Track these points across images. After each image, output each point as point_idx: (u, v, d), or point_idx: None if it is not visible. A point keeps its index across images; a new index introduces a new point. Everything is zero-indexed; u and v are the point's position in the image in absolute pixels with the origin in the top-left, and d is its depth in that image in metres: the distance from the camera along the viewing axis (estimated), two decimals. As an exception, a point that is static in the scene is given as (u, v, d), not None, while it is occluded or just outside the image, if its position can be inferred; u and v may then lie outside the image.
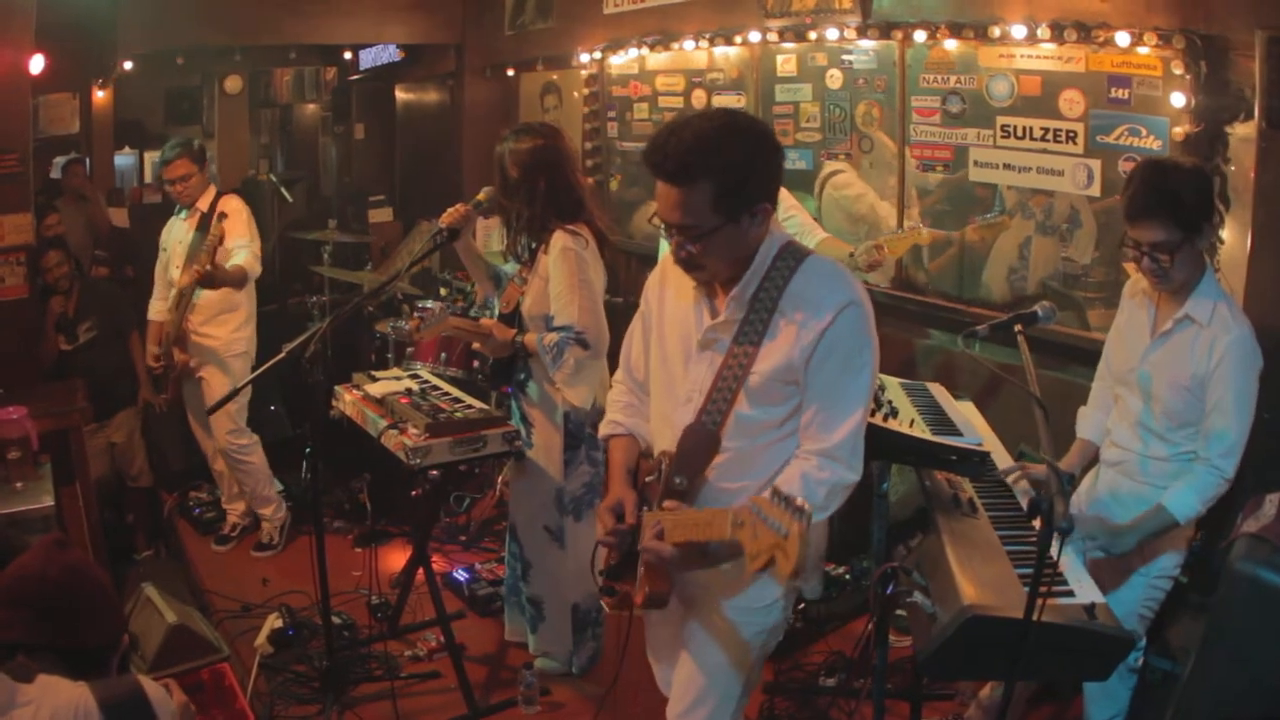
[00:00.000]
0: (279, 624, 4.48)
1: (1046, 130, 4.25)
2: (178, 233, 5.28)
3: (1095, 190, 4.12)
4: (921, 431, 3.20)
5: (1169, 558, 3.14)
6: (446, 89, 8.74)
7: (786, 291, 2.50)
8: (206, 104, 11.39)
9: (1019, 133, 4.36)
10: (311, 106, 11.45)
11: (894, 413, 3.26)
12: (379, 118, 9.87)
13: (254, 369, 5.17)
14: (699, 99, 6.07)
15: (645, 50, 6.29)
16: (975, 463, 3.06)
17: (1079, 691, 3.51)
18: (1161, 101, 3.84)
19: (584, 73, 6.92)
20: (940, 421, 3.42)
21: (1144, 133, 3.93)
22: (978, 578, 2.70)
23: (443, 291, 6.35)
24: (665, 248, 2.73)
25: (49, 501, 4.23)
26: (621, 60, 6.60)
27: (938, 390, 3.76)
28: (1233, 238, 3.70)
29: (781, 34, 5.29)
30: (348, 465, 5.82)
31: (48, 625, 2.18)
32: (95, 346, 5.60)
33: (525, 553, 4.27)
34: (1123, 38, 3.84)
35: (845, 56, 5.10)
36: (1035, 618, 2.43)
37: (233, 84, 10.98)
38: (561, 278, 3.84)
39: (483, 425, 3.88)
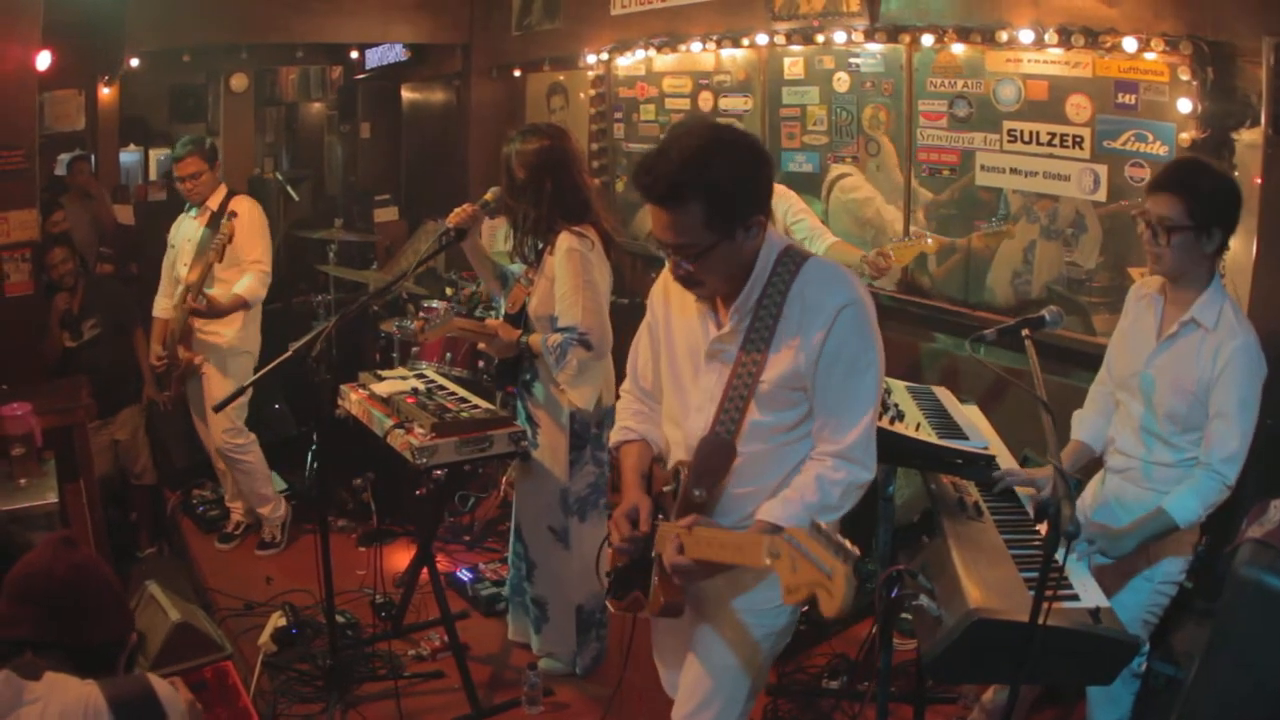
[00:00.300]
0: (282, 622, 4.48)
1: (1053, 135, 4.25)
2: (187, 230, 5.29)
3: (1101, 195, 4.12)
4: (927, 435, 3.21)
5: (1174, 563, 3.13)
6: (453, 89, 8.74)
7: (789, 297, 2.49)
8: (212, 102, 11.40)
9: (1026, 137, 4.37)
10: (317, 105, 11.47)
11: (900, 416, 3.27)
12: (385, 117, 9.88)
13: (259, 368, 5.17)
14: (706, 101, 6.08)
15: (652, 52, 6.30)
16: (981, 466, 3.06)
17: (1082, 696, 3.51)
18: (1168, 107, 3.85)
19: (591, 74, 6.93)
20: (946, 425, 3.42)
21: (1150, 138, 3.93)
22: (983, 581, 2.70)
23: (448, 291, 6.35)
24: None
25: (53, 498, 4.23)
26: (628, 61, 6.60)
27: (943, 394, 3.77)
28: (1238, 244, 3.68)
29: (789, 36, 5.29)
30: (352, 464, 5.82)
31: (55, 623, 2.19)
32: (100, 343, 5.60)
33: (530, 553, 4.27)
34: (1130, 43, 3.85)
35: (852, 59, 5.10)
36: (1040, 621, 2.43)
37: (238, 82, 10.98)
38: (566, 278, 3.84)
39: (489, 425, 3.88)
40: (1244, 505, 3.06)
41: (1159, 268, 3.08)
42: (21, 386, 4.70)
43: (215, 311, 5.09)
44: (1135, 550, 3.08)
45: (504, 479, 5.85)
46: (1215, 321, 2.98)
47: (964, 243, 4.70)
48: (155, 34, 7.16)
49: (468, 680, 4.10)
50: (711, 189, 2.36)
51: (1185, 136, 3.77)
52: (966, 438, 3.31)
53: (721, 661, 2.69)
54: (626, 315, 5.37)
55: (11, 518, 4.10)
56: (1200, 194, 2.93)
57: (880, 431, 2.58)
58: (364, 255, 7.97)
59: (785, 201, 4.60)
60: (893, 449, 2.95)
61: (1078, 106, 4.15)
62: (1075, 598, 2.68)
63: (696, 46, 5.90)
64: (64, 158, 7.98)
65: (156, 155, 10.79)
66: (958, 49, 4.54)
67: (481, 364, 5.44)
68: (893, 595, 2.80)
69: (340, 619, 4.43)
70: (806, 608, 4.35)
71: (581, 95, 7.14)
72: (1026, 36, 4.17)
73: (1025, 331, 3.11)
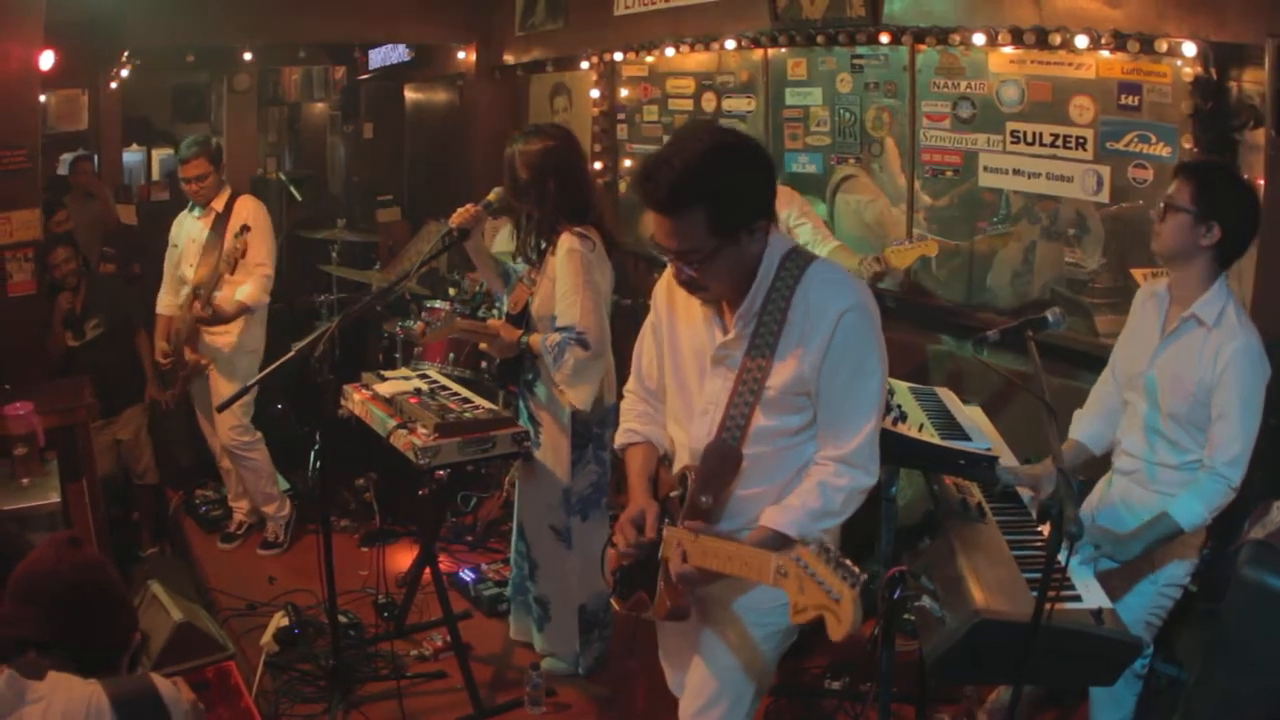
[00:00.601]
0: (285, 622, 4.48)
1: (1056, 136, 4.25)
2: (191, 230, 5.29)
3: (1104, 196, 4.12)
4: (930, 436, 3.21)
5: (1178, 566, 3.13)
6: (456, 89, 8.75)
7: (793, 302, 2.48)
8: (214, 102, 11.43)
9: (1029, 138, 4.36)
10: (320, 105, 11.49)
11: (903, 417, 3.26)
12: (388, 117, 9.90)
13: (262, 367, 5.18)
14: (709, 102, 6.08)
15: (656, 53, 6.29)
16: (984, 467, 3.06)
17: (1084, 698, 3.51)
18: (1171, 108, 3.84)
19: (594, 74, 6.93)
20: (949, 426, 3.42)
21: (1154, 139, 3.92)
22: (986, 582, 2.70)
23: (452, 291, 6.36)
24: None
25: (55, 498, 4.23)
26: (632, 62, 6.60)
27: (946, 395, 3.77)
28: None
29: (792, 38, 5.28)
30: (355, 464, 5.82)
31: (58, 622, 2.19)
32: (102, 343, 5.60)
33: (532, 552, 4.28)
34: (1133, 44, 3.84)
35: (855, 61, 5.10)
36: (1042, 622, 2.43)
37: (241, 82, 10.99)
38: (566, 278, 3.84)
39: (492, 426, 3.88)
40: (1247, 507, 3.06)
41: (1155, 244, 3.12)
42: (24, 386, 4.70)
43: (220, 319, 5.14)
44: (1140, 553, 3.08)
45: (507, 480, 5.85)
46: (1217, 319, 2.98)
47: (966, 245, 4.70)
48: (158, 33, 7.17)
49: (470, 680, 4.09)
50: (714, 195, 2.36)
51: (1188, 138, 3.77)
52: (969, 439, 3.31)
53: (727, 661, 2.69)
54: (629, 316, 5.38)
55: (14, 517, 4.11)
56: (1209, 186, 2.97)
57: (883, 432, 2.58)
58: (366, 255, 7.98)
59: (788, 204, 4.61)
60: (896, 450, 2.95)
61: (1081, 108, 4.14)
62: (1078, 599, 2.69)
63: (700, 47, 5.90)
64: (67, 157, 8.00)
65: (159, 155, 10.82)
66: (961, 50, 4.54)
67: (484, 364, 5.44)
68: (895, 596, 2.80)
69: (343, 619, 4.43)
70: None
71: (585, 96, 7.15)
72: (1030, 37, 4.16)
73: (1028, 332, 3.12)
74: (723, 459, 2.55)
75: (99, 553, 3.07)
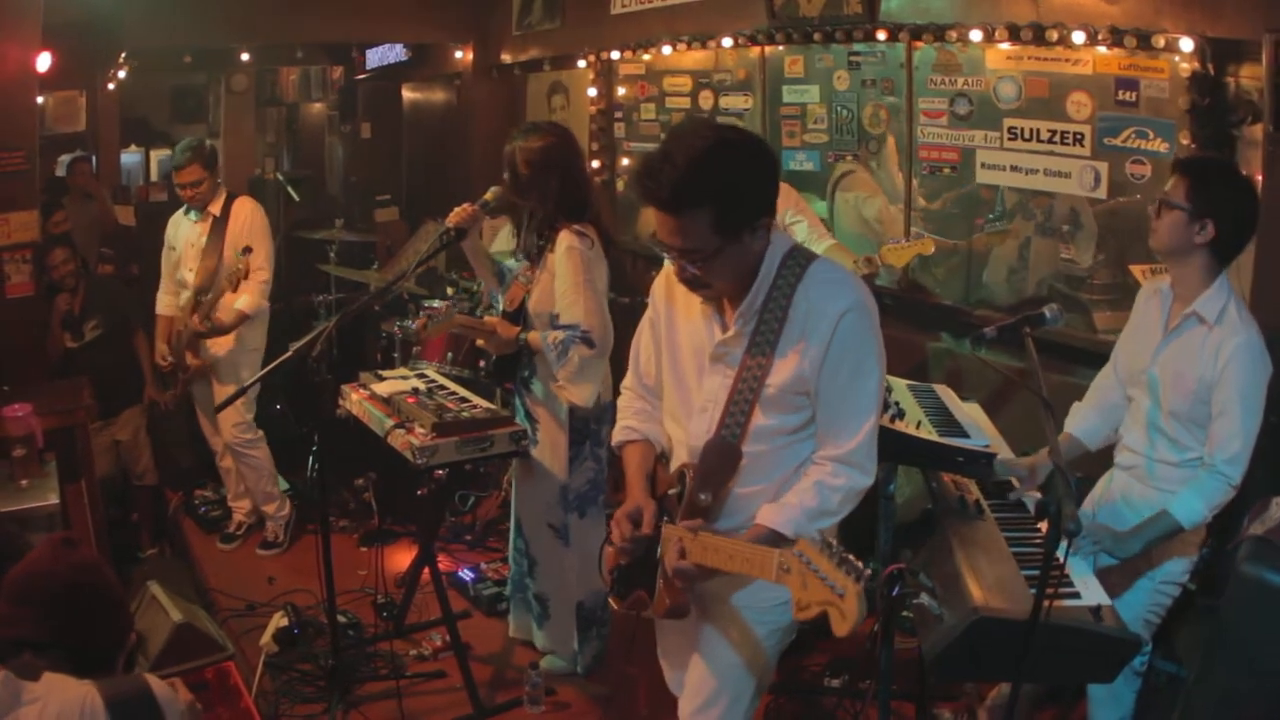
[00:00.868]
0: (284, 623, 4.48)
1: (1054, 132, 4.24)
2: (188, 234, 5.29)
3: (1102, 192, 4.11)
4: (928, 433, 3.20)
5: (1177, 564, 3.12)
6: (453, 88, 8.74)
7: (793, 301, 2.47)
8: (212, 102, 11.42)
9: (1026, 135, 4.36)
10: (318, 105, 11.48)
11: (901, 414, 3.26)
12: (385, 117, 9.89)
13: (261, 366, 5.18)
14: (706, 100, 6.07)
15: (653, 51, 6.29)
16: (982, 464, 3.06)
17: (1083, 695, 3.50)
18: (1169, 104, 3.84)
19: (591, 73, 6.92)
20: (947, 423, 3.42)
21: (1151, 135, 3.92)
22: (984, 579, 2.70)
23: (450, 291, 6.36)
24: None
25: (54, 499, 4.23)
26: (629, 61, 6.60)
27: (944, 392, 3.77)
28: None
29: (789, 35, 5.28)
30: (354, 464, 5.82)
31: (55, 623, 2.18)
32: (101, 344, 5.60)
33: (531, 549, 4.28)
34: (1130, 40, 3.84)
35: (852, 58, 5.09)
36: (1041, 619, 2.43)
37: (239, 82, 10.98)
38: (567, 276, 3.85)
39: (490, 425, 3.88)
40: (1247, 503, 3.05)
41: (1152, 240, 3.12)
42: (23, 387, 4.70)
43: (220, 331, 5.18)
44: (1140, 551, 3.08)
45: (505, 479, 5.85)
46: (1218, 317, 2.98)
47: (965, 243, 4.69)
48: (155, 34, 7.16)
49: (469, 680, 4.10)
50: (718, 194, 2.34)
51: (1186, 134, 3.76)
52: (967, 435, 3.31)
53: (727, 659, 2.69)
54: (626, 314, 5.37)
55: (13, 519, 4.10)
56: (1205, 184, 2.96)
57: (881, 430, 2.58)
58: (364, 255, 7.97)
59: (784, 201, 4.59)
60: (894, 447, 2.95)
61: (1078, 104, 4.14)
62: (1076, 596, 2.68)
63: (696, 45, 5.89)
64: (65, 159, 7.98)
65: (157, 156, 10.81)
66: (958, 47, 4.53)
67: (482, 363, 5.44)
68: (894, 594, 2.79)
69: (342, 619, 4.44)
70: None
71: (582, 95, 7.14)
72: (1027, 34, 4.15)
73: (1026, 329, 3.11)
74: (722, 456, 2.55)
75: (96, 553, 3.06)
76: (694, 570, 2.46)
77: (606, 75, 6.84)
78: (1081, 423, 3.42)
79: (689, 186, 2.33)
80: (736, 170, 2.36)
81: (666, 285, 2.74)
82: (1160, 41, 3.74)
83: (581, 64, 6.96)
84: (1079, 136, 4.15)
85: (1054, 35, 4.06)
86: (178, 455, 6.20)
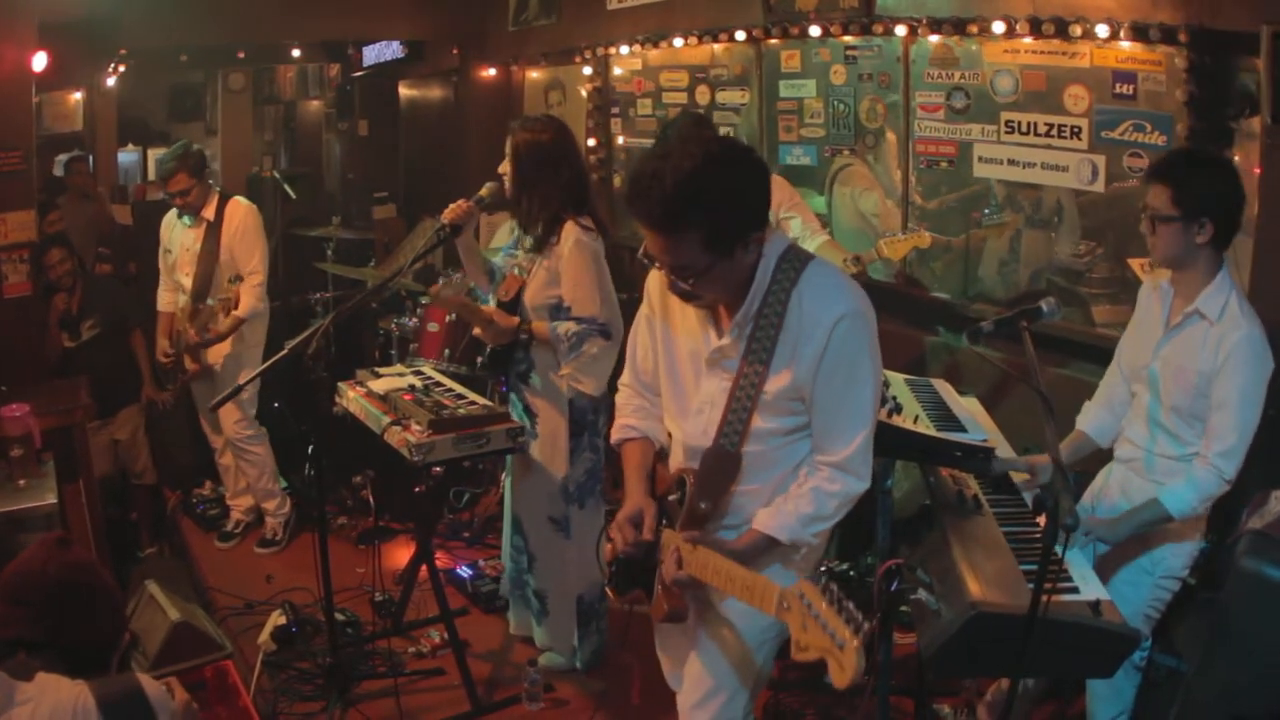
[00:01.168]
0: (282, 621, 4.48)
1: (1051, 126, 4.23)
2: (184, 239, 5.27)
3: (1099, 186, 4.10)
4: (926, 428, 3.19)
5: (1176, 558, 3.11)
6: (450, 85, 8.73)
7: (789, 306, 2.45)
8: (210, 101, 11.41)
9: (1023, 128, 4.35)
10: (315, 103, 11.45)
11: (898, 409, 3.25)
12: (382, 114, 9.87)
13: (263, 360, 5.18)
14: (703, 95, 6.07)
15: (649, 46, 6.27)
16: (980, 459, 3.05)
17: (1082, 690, 3.50)
18: (1167, 97, 3.83)
19: (587, 69, 6.91)
20: (944, 418, 3.41)
21: (1149, 128, 3.91)
22: (983, 574, 2.69)
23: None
24: None
25: (52, 499, 4.23)
26: (625, 56, 6.59)
27: (942, 386, 3.75)
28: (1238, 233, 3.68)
29: (785, 29, 5.27)
30: (351, 462, 5.81)
31: (48, 623, 2.18)
32: (98, 344, 5.60)
33: (530, 545, 4.27)
34: (1128, 33, 3.83)
35: (849, 52, 5.09)
36: (1040, 614, 2.42)
37: (236, 81, 10.97)
38: (580, 270, 3.87)
39: (486, 421, 3.87)
40: (1246, 497, 3.05)
41: (1154, 257, 3.09)
42: (20, 387, 4.70)
43: (217, 339, 5.19)
44: (1136, 542, 3.07)
45: (503, 475, 5.83)
46: (1219, 313, 2.96)
47: (962, 237, 4.68)
48: (152, 34, 7.15)
49: (468, 677, 4.09)
50: (708, 215, 2.32)
51: (1183, 126, 3.75)
52: (965, 430, 3.30)
53: (726, 654, 2.69)
54: (625, 310, 5.36)
55: (10, 519, 4.11)
56: (1187, 184, 2.92)
57: (879, 425, 2.57)
58: (362, 253, 7.95)
59: (778, 195, 4.57)
60: (892, 442, 2.94)
61: (1075, 97, 4.13)
62: (1075, 590, 2.67)
63: (693, 41, 5.88)
64: (62, 158, 7.98)
65: (155, 155, 10.79)
66: (954, 41, 4.52)
67: (480, 360, 5.43)
68: (892, 589, 2.79)
69: (340, 617, 4.43)
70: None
71: (579, 91, 7.13)
72: (1023, 27, 4.14)
73: (1023, 322, 3.10)
74: (721, 464, 2.55)
75: (89, 553, 3.06)
76: (690, 580, 2.48)
77: (603, 71, 6.83)
78: (1092, 420, 3.41)
79: (678, 208, 2.30)
80: (727, 188, 2.33)
81: (660, 282, 2.72)
82: (1158, 34, 3.73)
83: (578, 60, 6.94)
84: (1076, 130, 4.14)
85: (1050, 28, 4.05)
86: (176, 454, 6.20)
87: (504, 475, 5.73)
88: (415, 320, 5.79)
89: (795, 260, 2.49)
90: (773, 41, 5.46)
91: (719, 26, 5.69)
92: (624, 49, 6.52)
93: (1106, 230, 4.13)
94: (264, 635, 4.43)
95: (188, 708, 2.31)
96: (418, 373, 4.46)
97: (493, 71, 7.95)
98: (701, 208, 2.30)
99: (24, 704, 1.94)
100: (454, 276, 4.83)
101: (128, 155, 10.50)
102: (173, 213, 5.34)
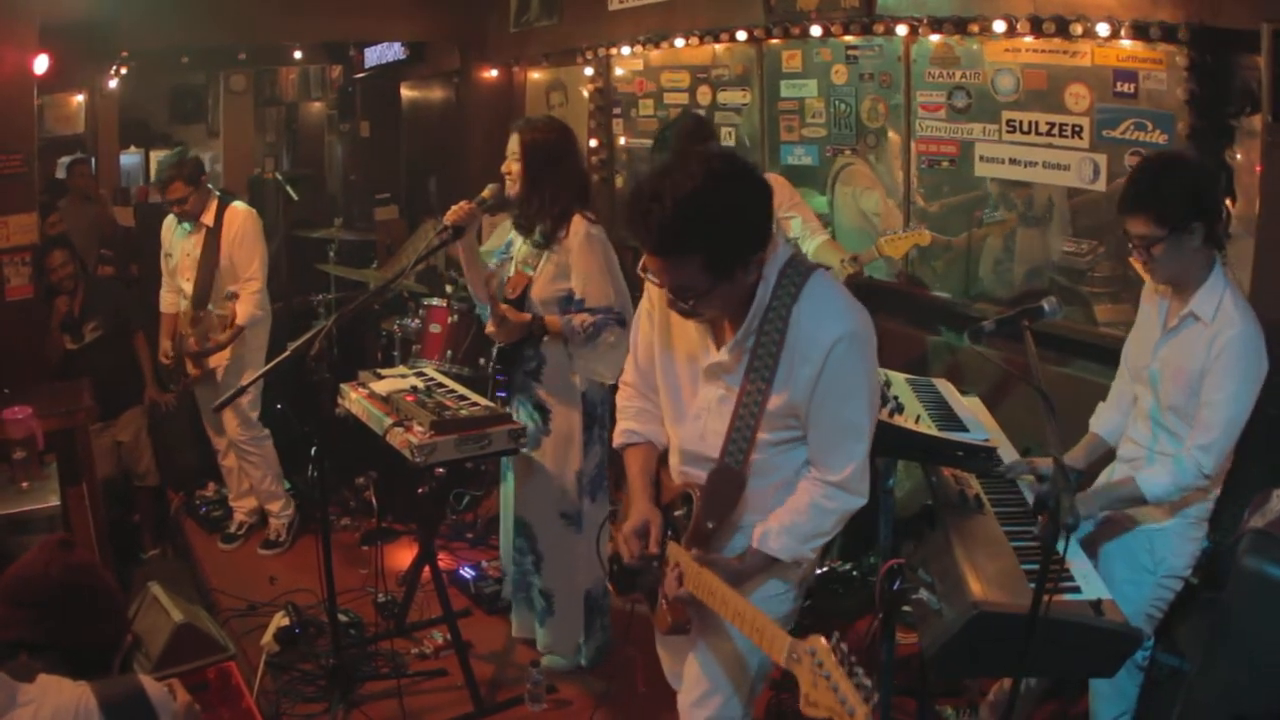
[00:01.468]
0: (285, 622, 4.48)
1: (1052, 125, 4.23)
2: (184, 244, 5.27)
3: (1101, 185, 4.10)
4: (928, 427, 3.19)
5: (1179, 558, 3.11)
6: (452, 86, 8.74)
7: (790, 323, 2.44)
8: (211, 103, 11.42)
9: (1025, 127, 4.34)
10: (317, 105, 11.47)
11: (900, 409, 3.25)
12: (384, 115, 9.88)
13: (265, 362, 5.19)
14: (704, 95, 6.07)
15: (650, 47, 6.28)
16: (982, 458, 3.04)
17: (1084, 690, 3.49)
18: (1168, 95, 3.82)
19: (589, 70, 6.92)
20: (946, 417, 3.41)
21: (1150, 127, 3.91)
22: (984, 574, 2.69)
23: (449, 289, 6.34)
24: None
25: (55, 501, 4.23)
26: (626, 57, 6.59)
27: (944, 386, 3.75)
28: (1238, 231, 3.68)
29: (786, 29, 5.27)
30: (354, 463, 5.81)
31: (50, 625, 2.18)
32: (101, 346, 5.60)
33: (538, 545, 4.26)
34: (1128, 31, 3.82)
35: (850, 52, 5.09)
36: (1042, 614, 2.42)
37: (238, 82, 10.97)
38: (591, 263, 3.93)
39: (488, 423, 3.87)
40: (1248, 495, 3.04)
41: (1155, 277, 3.08)
42: (23, 389, 4.70)
43: (217, 348, 5.21)
44: (1135, 539, 3.07)
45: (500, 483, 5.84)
46: (1214, 314, 2.94)
47: (963, 236, 4.68)
48: (154, 35, 7.15)
49: (470, 678, 4.10)
50: (708, 239, 2.30)
51: (1184, 125, 3.75)
52: (967, 429, 3.29)
53: (726, 652, 2.70)
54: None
55: (13, 521, 4.11)
56: (1164, 201, 2.88)
57: (880, 425, 2.57)
58: (364, 254, 7.96)
59: (779, 195, 4.55)
60: (893, 441, 2.94)
61: (1076, 96, 4.12)
62: (1077, 590, 2.67)
63: (694, 41, 5.88)
64: (64, 160, 7.99)
65: (157, 157, 10.81)
66: (955, 40, 4.52)
67: (483, 361, 5.42)
68: (894, 588, 2.79)
69: (343, 618, 4.43)
70: (809, 601, 4.36)
71: (580, 91, 7.13)
72: (1024, 26, 4.14)
73: (1025, 321, 3.10)
74: (727, 484, 2.56)
75: (92, 555, 3.07)
76: (692, 598, 2.50)
77: (604, 72, 6.83)
78: (1105, 422, 3.41)
79: (678, 232, 2.28)
80: (727, 212, 2.30)
81: None
82: (1159, 33, 3.73)
83: (579, 60, 6.95)
84: (1078, 129, 4.14)
85: (1051, 27, 4.04)
86: (179, 456, 6.20)
87: (501, 482, 5.76)
88: (417, 322, 5.79)
89: (795, 275, 2.47)
90: (774, 41, 5.46)
91: (720, 27, 5.69)
92: (625, 49, 6.52)
93: (1108, 229, 4.13)
94: (267, 636, 4.44)
95: (190, 709, 2.31)
96: (420, 374, 4.46)
97: (494, 72, 7.96)
98: (700, 233, 2.28)
99: (26, 705, 1.94)
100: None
101: (129, 157, 10.51)
102: (173, 216, 5.34)
